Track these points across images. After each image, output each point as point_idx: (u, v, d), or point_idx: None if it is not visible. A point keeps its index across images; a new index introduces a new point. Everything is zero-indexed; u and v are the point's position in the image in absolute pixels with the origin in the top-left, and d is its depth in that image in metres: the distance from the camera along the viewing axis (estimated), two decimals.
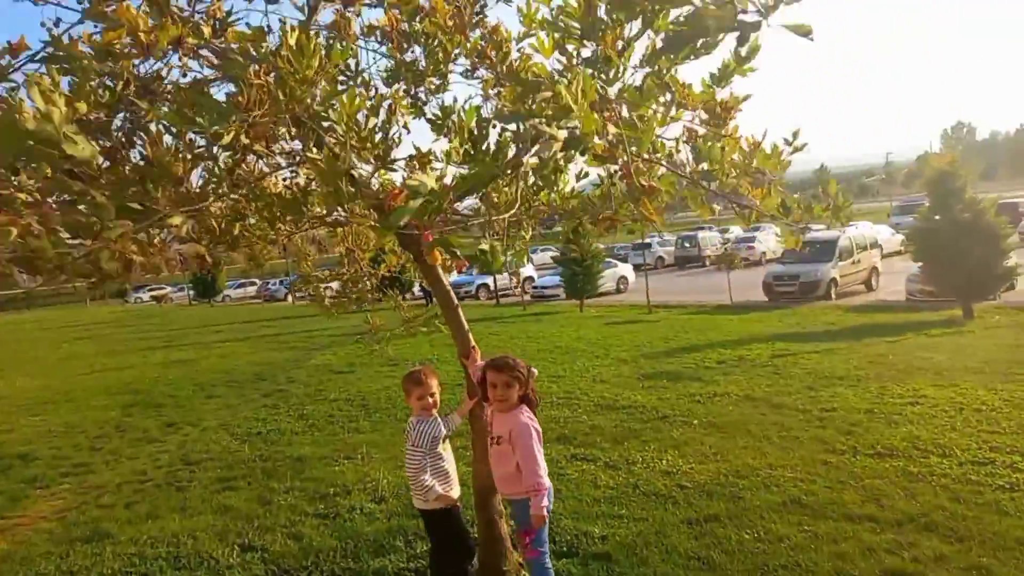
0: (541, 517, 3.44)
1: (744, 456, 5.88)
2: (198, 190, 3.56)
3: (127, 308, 47.96)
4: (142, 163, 2.64)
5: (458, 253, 2.47)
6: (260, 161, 3.93)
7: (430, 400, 3.91)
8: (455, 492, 3.89)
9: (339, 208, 3.76)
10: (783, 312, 18.02)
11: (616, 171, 3.36)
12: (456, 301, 4.32)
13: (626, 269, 29.69)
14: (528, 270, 30.91)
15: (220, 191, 3.31)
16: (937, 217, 15.35)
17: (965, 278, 14.73)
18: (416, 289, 25.19)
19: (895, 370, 9.05)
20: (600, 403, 8.25)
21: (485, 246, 2.45)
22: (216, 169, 3.44)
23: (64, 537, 5.31)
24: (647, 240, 38.14)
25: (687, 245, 38.67)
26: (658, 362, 10.99)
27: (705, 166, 3.33)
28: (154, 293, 54.36)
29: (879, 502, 4.66)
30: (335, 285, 5.52)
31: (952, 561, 3.78)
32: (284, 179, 4.42)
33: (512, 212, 3.46)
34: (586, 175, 4.47)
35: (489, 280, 29.03)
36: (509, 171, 3.02)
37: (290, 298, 40.51)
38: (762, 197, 3.39)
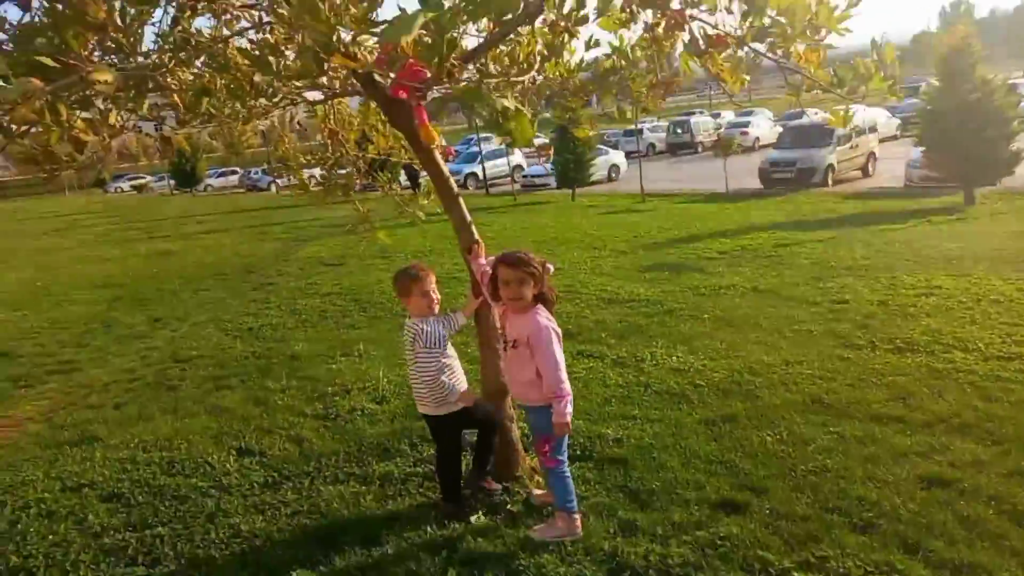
0: (565, 424, 3.19)
1: (757, 352, 5.67)
2: (155, 58, 3.05)
3: (107, 198, 46.69)
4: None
5: (478, 122, 2.02)
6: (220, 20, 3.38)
7: (433, 297, 3.57)
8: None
9: (319, 72, 3.25)
10: (780, 200, 17.62)
11: (657, 23, 2.85)
12: (456, 189, 3.89)
13: (618, 157, 28.85)
14: (517, 158, 30.02)
15: (175, 56, 2.79)
16: (945, 98, 14.70)
17: (970, 162, 14.29)
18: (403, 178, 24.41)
19: (903, 259, 8.80)
20: (602, 296, 7.98)
21: (509, 103, 2.00)
22: (165, 27, 2.91)
23: (52, 440, 5.09)
24: (638, 126, 37.09)
25: (679, 131, 37.47)
26: (658, 253, 10.69)
27: (755, 22, 2.84)
28: (134, 183, 52.87)
29: (905, 401, 4.48)
30: (318, 172, 5.00)
31: (991, 466, 3.61)
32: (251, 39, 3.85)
33: (529, 75, 2.95)
34: (596, 44, 3.93)
35: (478, 169, 28.22)
36: (526, 19, 2.51)
37: (274, 187, 39.49)
38: (816, 64, 2.93)
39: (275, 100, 4.12)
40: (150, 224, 23.85)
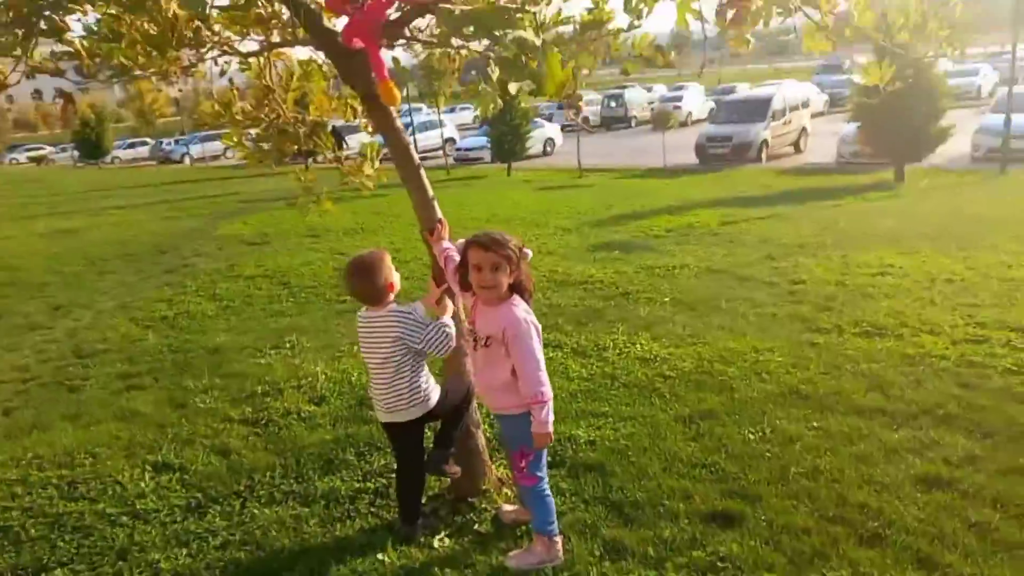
0: (546, 435, 2.74)
1: (723, 338, 5.38)
2: None
3: (1, 170, 43.14)
4: None
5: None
6: None
7: (394, 285, 3.05)
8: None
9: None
10: (717, 175, 17.65)
11: None
12: (417, 159, 3.36)
13: (553, 130, 28.44)
14: (449, 130, 29.20)
15: None
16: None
17: (902, 139, 14.55)
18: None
19: (849, 237, 8.75)
20: (552, 278, 7.57)
21: (533, 38, 1.50)
22: None
23: None
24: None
25: (613, 104, 37.23)
26: (604, 231, 10.36)
27: None
28: (32, 154, 49.07)
29: (884, 391, 4.25)
30: (253, 132, 4.31)
31: (986, 463, 3.39)
32: None
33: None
34: None
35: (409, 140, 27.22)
36: None
37: (187, 160, 37.35)
38: (861, 8, 2.54)
39: (202, 51, 3.46)
40: (50, 199, 22.01)
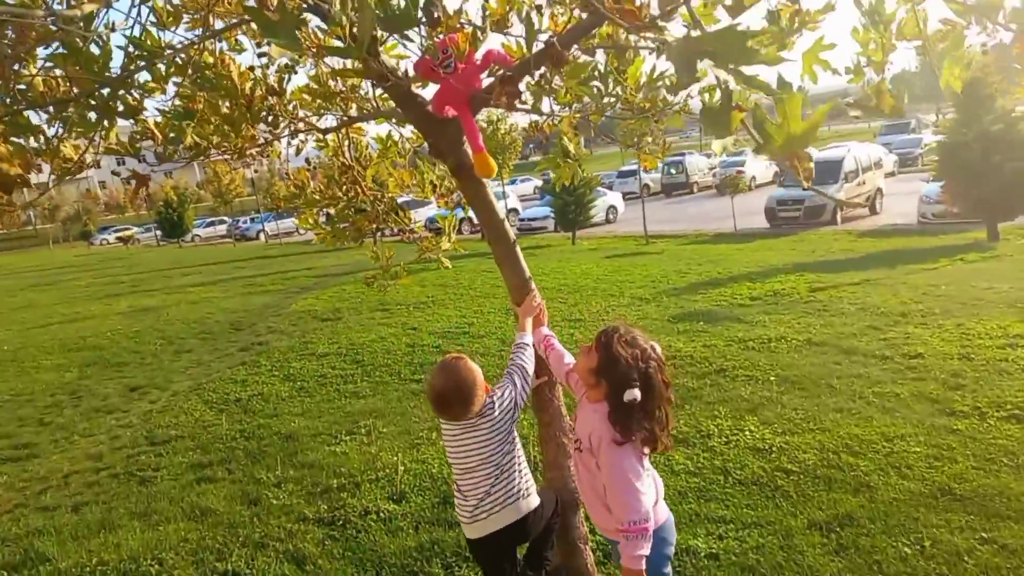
0: (634, 572, 2.26)
1: (844, 423, 4.78)
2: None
3: (92, 251, 45.67)
4: None
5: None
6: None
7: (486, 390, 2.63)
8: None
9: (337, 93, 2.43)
10: (791, 239, 17.00)
11: None
12: (514, 236, 3.04)
13: (615, 198, 28.39)
14: (512, 201, 29.42)
15: (139, 65, 1.96)
16: (965, 130, 14.18)
17: (994, 196, 13.70)
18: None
19: (958, 303, 8.01)
20: None
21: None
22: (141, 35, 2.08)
23: None
24: (631, 167, 36.77)
25: (673, 171, 37.12)
26: (683, 300, 9.86)
27: None
28: (120, 234, 51.95)
29: None
30: (332, 211, 4.10)
31: None
32: (254, 66, 3.06)
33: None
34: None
35: (471, 212, 27.50)
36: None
37: (263, 236, 38.76)
38: (947, 68, 2.13)
39: (277, 129, 3.30)
40: (134, 277, 22.86)
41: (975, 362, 5.79)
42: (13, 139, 2.27)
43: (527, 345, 2.65)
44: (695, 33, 1.09)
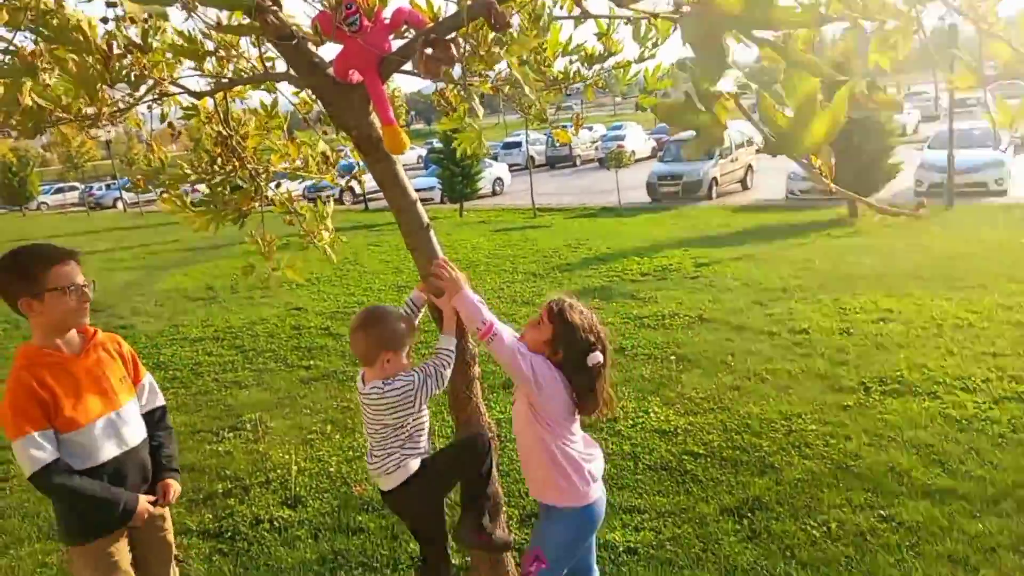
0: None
1: (742, 401, 4.89)
2: None
3: None
4: None
5: None
6: None
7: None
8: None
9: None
10: (672, 214, 17.56)
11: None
12: (427, 219, 2.73)
13: (501, 169, 28.32)
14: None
15: None
16: None
17: (854, 175, 14.74)
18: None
19: (832, 278, 8.49)
20: None
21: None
22: None
23: None
24: (515, 138, 36.80)
25: (557, 145, 37.53)
26: (576, 275, 9.88)
27: None
28: None
29: (944, 466, 3.80)
30: (203, 188, 3.58)
31: None
32: (105, 17, 2.55)
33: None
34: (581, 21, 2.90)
35: (354, 182, 26.47)
36: None
37: (120, 204, 35.64)
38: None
39: (140, 92, 2.79)
40: None
41: (855, 337, 6.12)
42: None
43: (451, 353, 2.39)
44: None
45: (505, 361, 2.26)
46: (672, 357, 5.92)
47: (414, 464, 2.37)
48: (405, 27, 2.36)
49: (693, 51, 1.25)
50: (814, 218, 14.74)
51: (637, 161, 32.47)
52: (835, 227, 13.26)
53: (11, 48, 2.26)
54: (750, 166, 22.81)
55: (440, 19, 2.30)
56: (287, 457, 4.53)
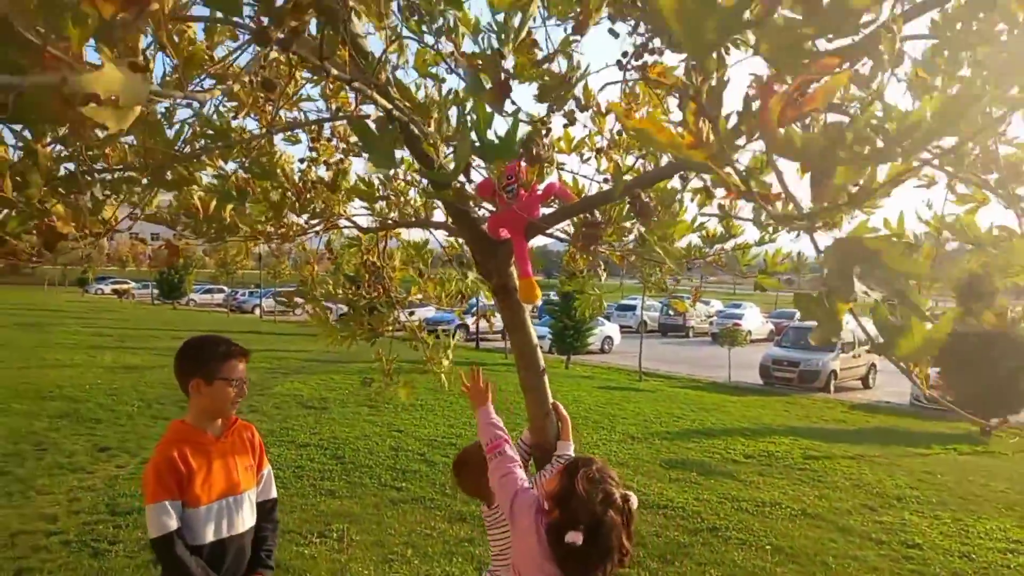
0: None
1: None
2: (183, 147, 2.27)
3: (85, 298, 45.42)
4: None
5: None
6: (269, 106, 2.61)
7: None
8: None
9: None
10: (784, 399, 16.93)
11: None
12: (543, 364, 2.98)
13: (612, 329, 28.60)
14: None
15: (203, 146, 1.99)
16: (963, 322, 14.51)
17: (989, 391, 13.80)
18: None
19: (955, 496, 7.85)
20: None
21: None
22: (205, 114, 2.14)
23: None
24: (631, 301, 37.30)
25: (671, 313, 37.69)
26: (676, 446, 9.67)
27: None
28: (117, 287, 51.80)
29: None
30: (343, 308, 4.05)
31: None
32: (304, 157, 3.13)
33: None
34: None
35: (469, 320, 27.56)
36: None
37: (258, 311, 38.67)
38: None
39: (315, 222, 3.33)
40: (122, 332, 22.59)
41: (976, 563, 5.59)
42: (67, 201, 2.29)
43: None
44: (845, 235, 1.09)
45: (493, 482, 2.29)
46: (768, 547, 5.62)
47: None
48: (554, 199, 2.76)
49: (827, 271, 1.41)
50: (940, 429, 13.80)
51: (752, 342, 31.95)
52: (963, 443, 12.33)
53: (223, 174, 2.82)
54: (874, 364, 21.83)
55: (584, 195, 2.68)
56: (365, 572, 4.63)
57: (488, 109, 1.65)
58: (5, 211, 1.74)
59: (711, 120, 0.87)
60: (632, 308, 36.89)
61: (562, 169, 2.96)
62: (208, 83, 1.98)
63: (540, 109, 2.34)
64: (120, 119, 0.79)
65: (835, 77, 0.83)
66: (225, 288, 44.62)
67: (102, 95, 0.74)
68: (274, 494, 2.86)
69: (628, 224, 2.69)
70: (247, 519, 2.65)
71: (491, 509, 2.54)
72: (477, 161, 2.29)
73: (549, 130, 2.52)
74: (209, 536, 2.49)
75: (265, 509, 2.79)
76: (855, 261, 0.95)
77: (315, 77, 2.61)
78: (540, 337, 18.71)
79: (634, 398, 14.66)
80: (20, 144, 1.52)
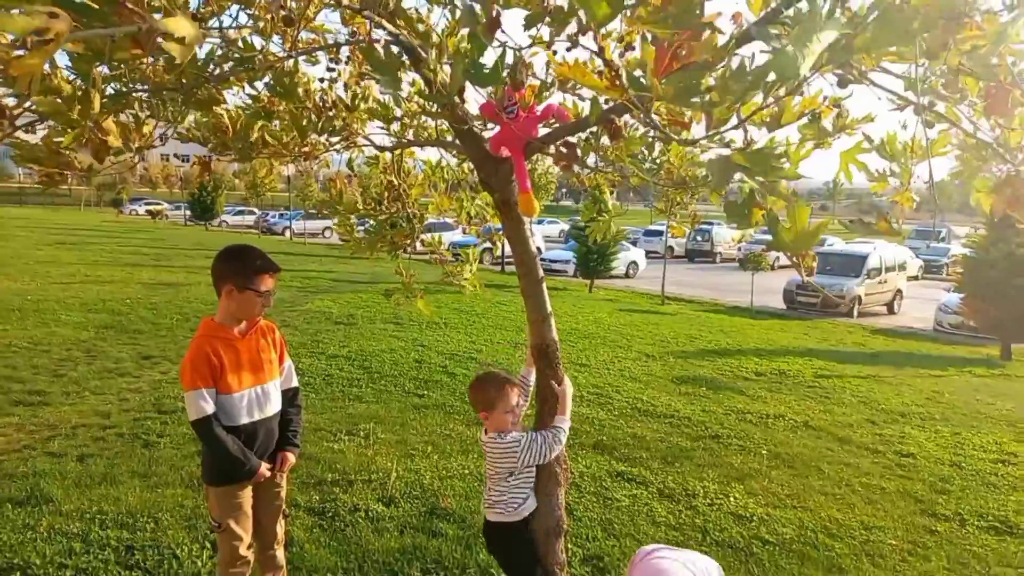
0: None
1: (826, 505, 4.90)
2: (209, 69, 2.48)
3: (120, 219, 46.51)
4: None
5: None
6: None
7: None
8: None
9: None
10: (805, 323, 17.10)
11: None
12: (541, 273, 3.25)
13: (637, 254, 28.67)
14: (537, 240, 29.71)
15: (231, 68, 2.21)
16: (992, 248, 14.39)
17: (1013, 317, 13.82)
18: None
19: (960, 413, 8.10)
20: (636, 407, 7.24)
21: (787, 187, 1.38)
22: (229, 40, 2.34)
23: None
24: (659, 227, 37.12)
25: (699, 239, 37.50)
26: (689, 363, 10.01)
27: None
28: (150, 207, 52.82)
29: None
30: (368, 223, 4.34)
31: None
32: (324, 77, 3.31)
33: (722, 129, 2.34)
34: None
35: (492, 244, 27.84)
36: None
37: (288, 233, 39.36)
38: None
39: (335, 140, 3.56)
40: (157, 252, 23.32)
41: (965, 470, 5.89)
42: (114, 119, 2.53)
43: (560, 430, 2.80)
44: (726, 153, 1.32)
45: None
46: (764, 452, 5.98)
47: (519, 510, 2.78)
48: (553, 119, 2.94)
49: (711, 174, 1.65)
50: (959, 353, 13.92)
51: (780, 267, 31.84)
52: (980, 366, 12.46)
53: (256, 94, 3.04)
54: (900, 291, 21.78)
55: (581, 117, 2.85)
56: (389, 464, 5.08)
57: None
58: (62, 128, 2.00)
59: (613, 70, 1.09)
60: (659, 234, 36.74)
61: (567, 92, 3.14)
62: (234, 7, 2.17)
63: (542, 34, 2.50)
64: (184, 53, 1.05)
65: (711, 35, 1.03)
66: (256, 210, 45.30)
67: (176, 35, 1.00)
68: (295, 383, 3.22)
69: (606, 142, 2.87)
70: (275, 404, 3.02)
71: (503, 440, 2.77)
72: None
73: (555, 52, 2.69)
74: (243, 419, 2.88)
75: (288, 396, 3.15)
76: (730, 169, 1.18)
77: (331, 1, 2.78)
78: (565, 261, 19.02)
79: (653, 320, 14.96)
80: (77, 72, 1.75)
